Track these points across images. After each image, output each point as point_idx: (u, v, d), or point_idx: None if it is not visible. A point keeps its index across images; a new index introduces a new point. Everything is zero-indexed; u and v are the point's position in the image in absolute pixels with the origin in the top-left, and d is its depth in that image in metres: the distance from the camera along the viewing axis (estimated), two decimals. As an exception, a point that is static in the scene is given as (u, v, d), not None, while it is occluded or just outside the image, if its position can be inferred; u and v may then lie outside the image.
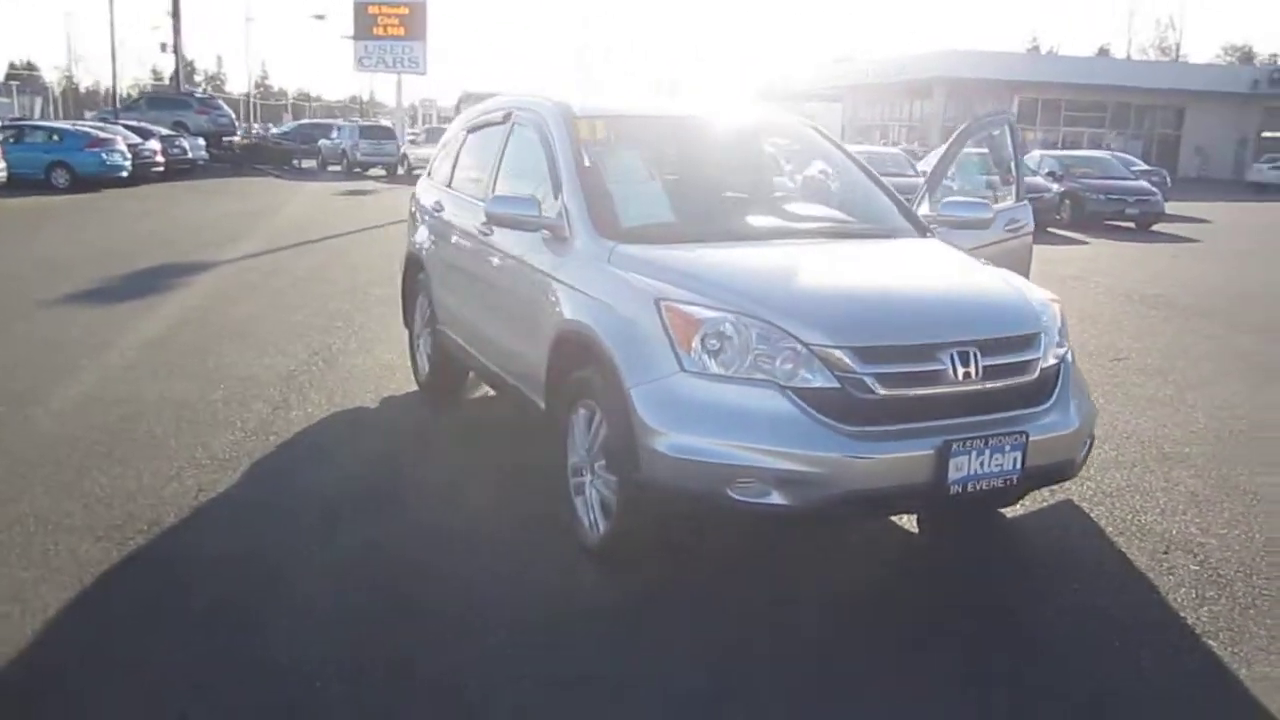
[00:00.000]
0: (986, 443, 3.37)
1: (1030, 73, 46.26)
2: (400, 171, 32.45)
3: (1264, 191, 36.99)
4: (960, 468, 3.33)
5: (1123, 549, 4.18)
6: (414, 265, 6.24)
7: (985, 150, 6.16)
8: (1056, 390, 3.66)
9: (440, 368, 5.97)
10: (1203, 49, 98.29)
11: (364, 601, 3.60)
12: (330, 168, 33.04)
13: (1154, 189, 21.45)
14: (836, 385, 3.31)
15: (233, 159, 32.64)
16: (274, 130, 47.91)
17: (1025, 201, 5.70)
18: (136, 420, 5.53)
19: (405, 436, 5.60)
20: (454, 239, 5.47)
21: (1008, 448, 3.41)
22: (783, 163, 5.45)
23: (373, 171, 32.30)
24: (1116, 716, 3.08)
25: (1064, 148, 35.49)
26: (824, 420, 3.28)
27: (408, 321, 6.56)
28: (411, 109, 60.79)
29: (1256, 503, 4.69)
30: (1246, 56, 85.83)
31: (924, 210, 5.08)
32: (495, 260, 4.79)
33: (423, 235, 6.04)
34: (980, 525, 4.41)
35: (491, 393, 6.25)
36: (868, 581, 3.93)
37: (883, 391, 3.34)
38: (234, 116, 38.88)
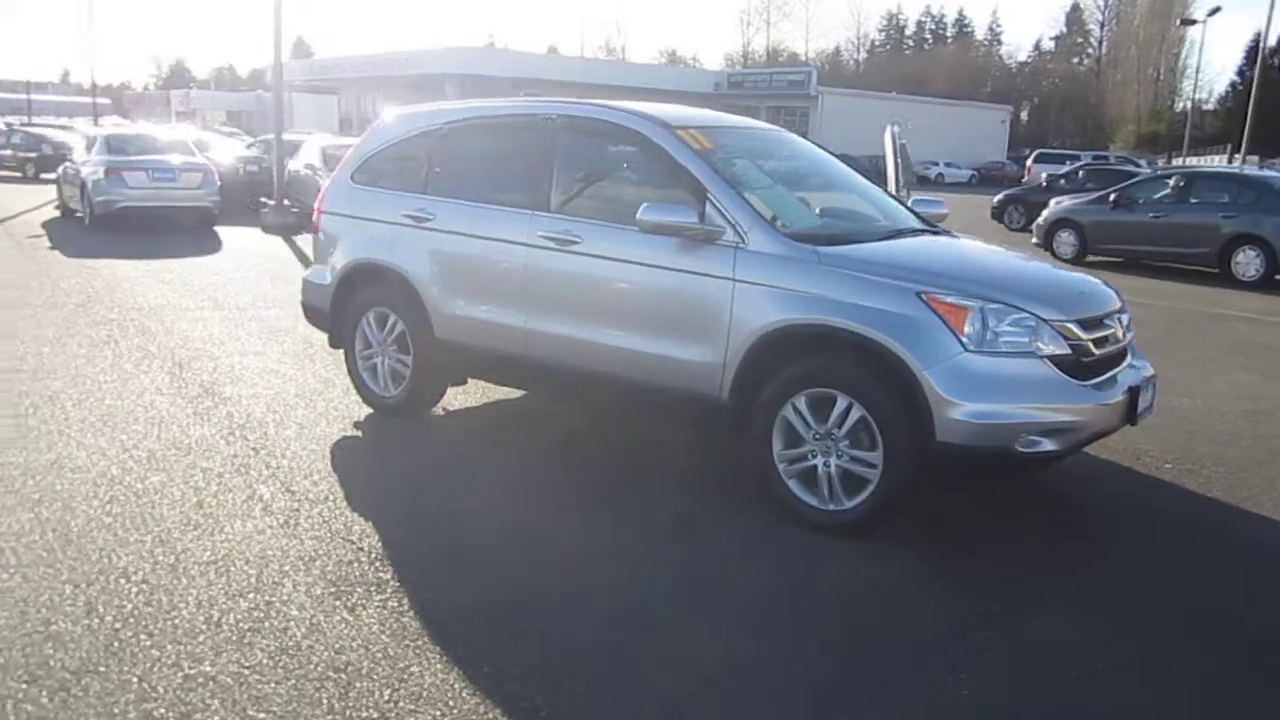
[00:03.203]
0: (1148, 384, 4.44)
1: (530, 70, 49.46)
2: None
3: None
4: (1140, 404, 4.37)
5: (1110, 459, 5.48)
6: (365, 279, 5.81)
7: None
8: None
9: (426, 382, 5.71)
10: (641, 51, 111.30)
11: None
12: None
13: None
14: (1069, 351, 4.14)
15: None
16: None
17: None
18: (137, 486, 4.62)
19: (454, 452, 5.33)
20: (482, 249, 5.26)
21: (1152, 387, 4.52)
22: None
23: None
24: (1246, 555, 4.31)
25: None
26: (1072, 379, 4.10)
27: (340, 343, 6.06)
28: None
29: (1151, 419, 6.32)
30: (674, 59, 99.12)
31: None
32: (608, 269, 4.80)
33: (394, 247, 5.60)
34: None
35: (452, 406, 6.11)
36: (1005, 507, 4.80)
37: (1098, 352, 4.25)
38: None
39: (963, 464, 4.05)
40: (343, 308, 5.95)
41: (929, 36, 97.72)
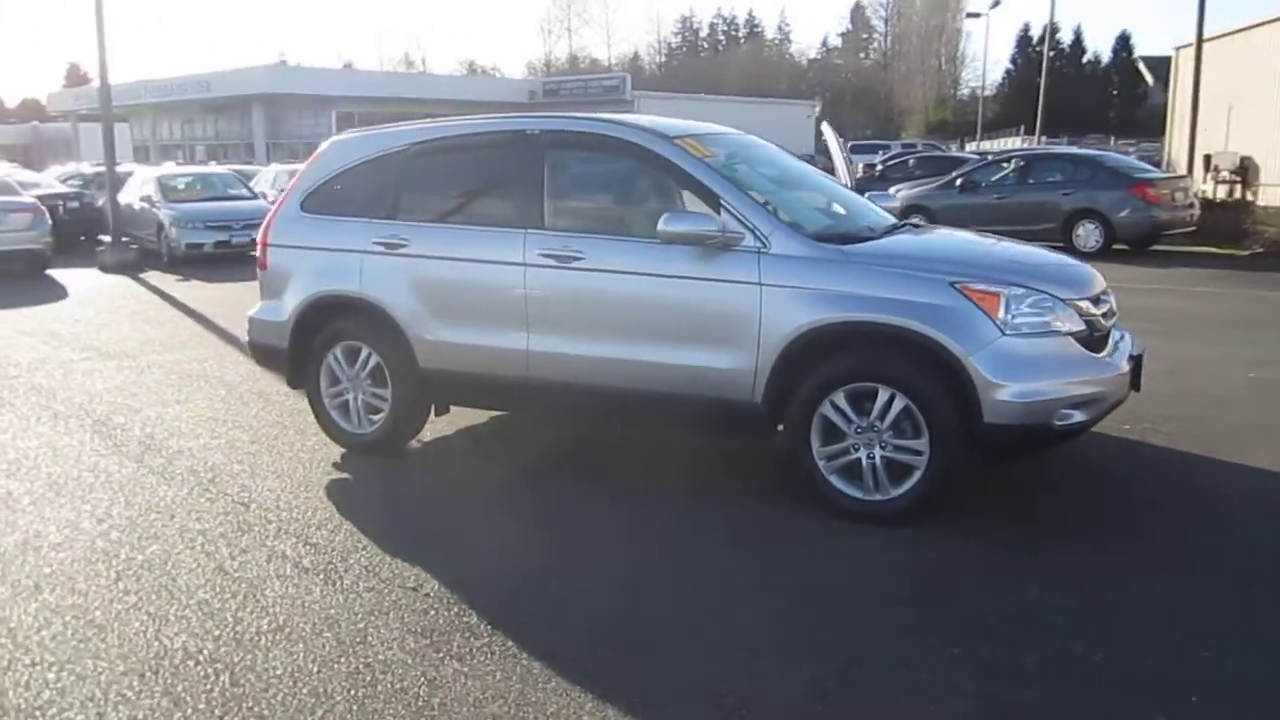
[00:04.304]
0: (1143, 353, 4.76)
1: (345, 88, 48.00)
2: None
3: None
4: (1140, 372, 4.68)
5: (1102, 430, 5.71)
6: (330, 312, 5.51)
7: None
8: None
9: (408, 415, 5.46)
10: (440, 63, 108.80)
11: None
12: None
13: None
14: (1084, 327, 4.38)
15: None
16: None
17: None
18: (138, 558, 4.21)
19: (453, 482, 5.11)
20: (471, 273, 5.08)
21: (1145, 354, 4.84)
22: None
23: None
24: (1239, 496, 4.68)
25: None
26: (1091, 353, 4.36)
27: (301, 382, 5.73)
28: None
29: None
30: (473, 69, 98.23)
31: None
32: (619, 283, 4.74)
33: (364, 277, 5.29)
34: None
35: (424, 437, 5.87)
36: (1025, 482, 5.03)
37: (1105, 325, 4.52)
38: None
39: (1007, 442, 4.24)
40: (303, 345, 5.61)
41: (722, 38, 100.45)
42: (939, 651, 3.33)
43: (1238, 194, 20.11)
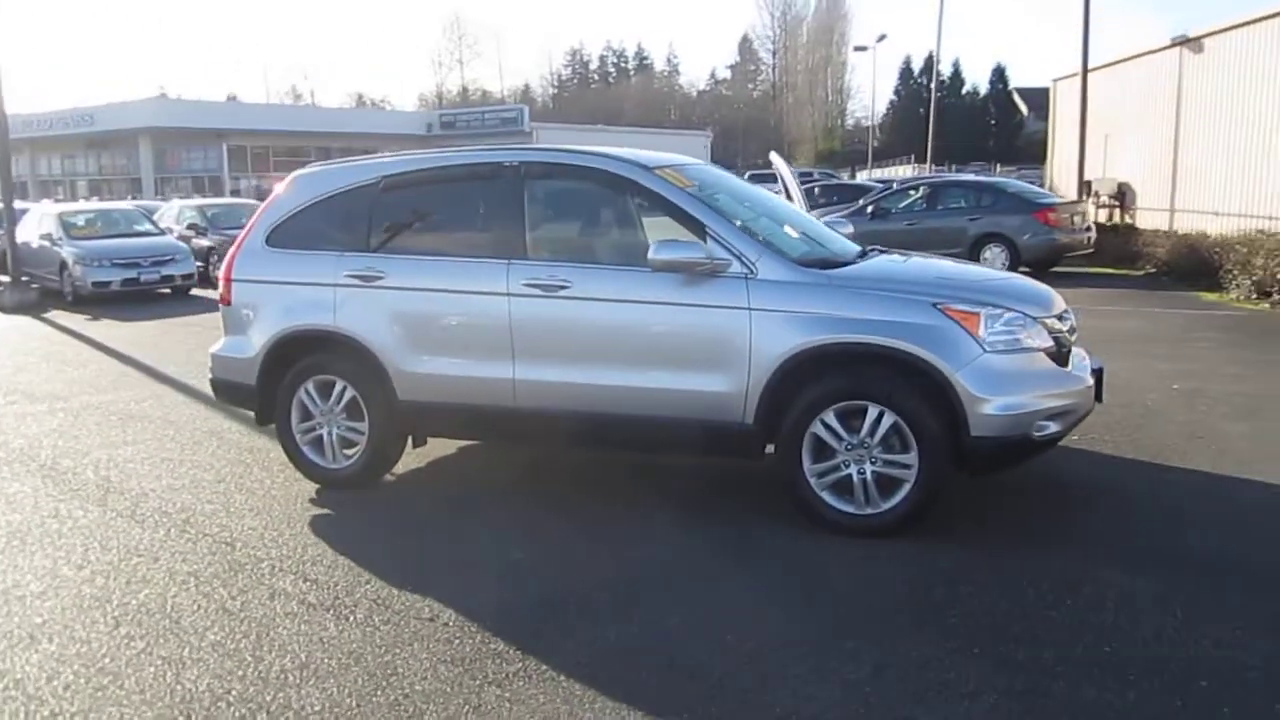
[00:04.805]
0: (1101, 367, 5.07)
1: (236, 121, 46.82)
2: None
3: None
4: (1102, 385, 4.98)
5: None
6: (301, 347, 5.45)
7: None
8: None
9: (386, 448, 5.44)
10: (328, 96, 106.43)
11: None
12: None
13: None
14: (1052, 343, 4.66)
15: None
16: None
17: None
18: (132, 603, 4.09)
19: (437, 511, 5.07)
20: (453, 304, 5.10)
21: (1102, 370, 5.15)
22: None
23: None
24: (1187, 496, 5.03)
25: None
26: (1061, 368, 4.63)
27: (270, 418, 5.63)
28: None
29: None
30: (362, 101, 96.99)
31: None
32: (608, 310, 4.84)
33: (339, 311, 5.26)
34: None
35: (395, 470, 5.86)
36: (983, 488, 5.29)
37: (1069, 341, 4.81)
38: None
39: (991, 454, 4.46)
40: (273, 380, 5.53)
41: (612, 70, 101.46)
42: (959, 651, 3.50)
43: (1116, 218, 21.32)
